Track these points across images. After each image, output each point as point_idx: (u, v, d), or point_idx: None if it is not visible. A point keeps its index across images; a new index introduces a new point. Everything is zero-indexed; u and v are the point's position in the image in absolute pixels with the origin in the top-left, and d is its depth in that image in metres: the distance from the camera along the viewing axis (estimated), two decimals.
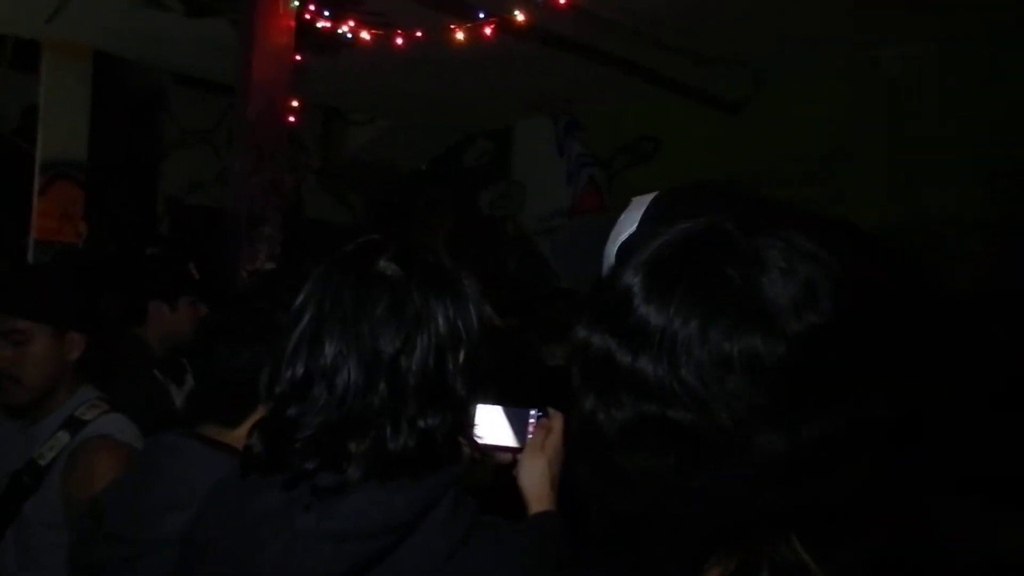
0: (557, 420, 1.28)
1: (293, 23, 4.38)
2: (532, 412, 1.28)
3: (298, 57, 4.57)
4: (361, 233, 1.05)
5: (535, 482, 1.24)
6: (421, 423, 0.94)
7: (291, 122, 4.68)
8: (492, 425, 1.22)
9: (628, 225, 0.88)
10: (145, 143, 6.86)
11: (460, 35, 4.52)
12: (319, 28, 4.70)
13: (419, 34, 4.67)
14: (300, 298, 1.00)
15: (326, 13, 4.66)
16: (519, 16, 4.30)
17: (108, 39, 5.64)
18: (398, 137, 7.70)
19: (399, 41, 4.75)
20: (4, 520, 1.74)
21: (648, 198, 0.89)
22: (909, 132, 5.11)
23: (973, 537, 0.76)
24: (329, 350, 0.94)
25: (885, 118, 5.23)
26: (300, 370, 0.95)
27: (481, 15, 4.44)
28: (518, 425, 1.26)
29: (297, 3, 4.34)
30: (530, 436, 1.27)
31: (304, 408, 0.94)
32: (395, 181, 8.13)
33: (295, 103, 4.83)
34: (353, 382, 0.93)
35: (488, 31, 4.43)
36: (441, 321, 0.97)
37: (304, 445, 0.93)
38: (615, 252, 0.88)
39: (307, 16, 4.56)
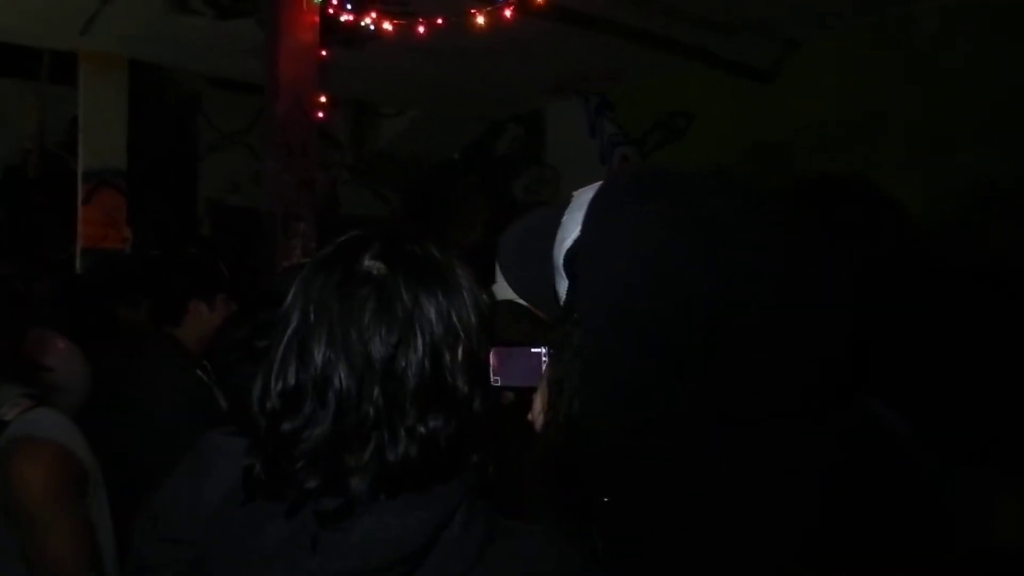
0: None
1: (317, 19, 4.42)
2: (544, 349, 1.23)
3: (324, 53, 4.61)
4: (397, 224, 1.00)
5: None
6: (421, 429, 0.88)
7: (320, 118, 4.72)
8: (505, 365, 1.18)
9: (572, 228, 0.82)
10: (183, 147, 7.01)
11: (481, 19, 4.50)
12: (343, 22, 4.73)
13: (440, 21, 4.67)
14: (286, 304, 0.94)
15: (348, 6, 4.68)
16: None
17: (142, 47, 5.75)
18: (429, 128, 7.73)
19: (421, 29, 4.76)
20: None
21: (588, 195, 0.82)
22: (945, 89, 4.94)
23: (975, 515, 0.73)
24: (318, 359, 0.88)
25: (920, 77, 5.06)
26: (291, 382, 0.90)
27: None
28: (531, 364, 1.22)
29: None
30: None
31: (298, 423, 0.89)
32: (428, 172, 8.17)
33: (324, 99, 4.87)
34: (345, 391, 0.88)
35: (508, 13, 4.41)
36: (434, 318, 0.91)
37: (303, 463, 0.88)
38: (561, 261, 0.83)
39: (330, 11, 4.59)
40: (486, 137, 8.06)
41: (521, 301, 2.24)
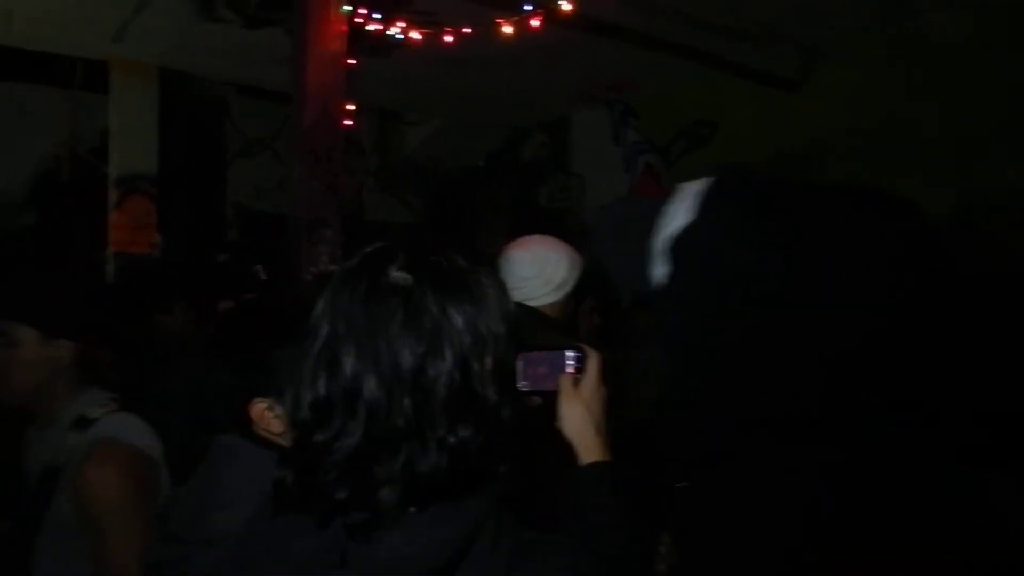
0: (592, 359, 1.19)
1: (345, 28, 4.46)
2: (569, 353, 1.19)
3: (351, 61, 4.65)
4: (420, 233, 1.01)
5: (578, 430, 1.16)
6: (451, 439, 0.88)
7: (347, 126, 4.76)
8: (532, 370, 1.17)
9: (677, 218, 0.84)
10: (211, 153, 7.09)
11: (508, 29, 4.52)
12: (370, 31, 4.77)
13: (467, 31, 4.70)
14: (314, 315, 0.94)
15: (376, 16, 4.73)
16: (565, 5, 4.28)
17: (172, 55, 5.85)
18: (454, 135, 7.77)
19: (448, 39, 4.79)
20: (33, 526, 1.76)
21: (694, 187, 0.85)
22: (969, 95, 4.90)
23: (979, 514, 0.74)
24: (348, 370, 0.89)
25: (945, 83, 5.02)
26: (321, 394, 0.90)
27: (527, 7, 4.44)
28: (557, 368, 1.18)
29: (348, 8, 4.41)
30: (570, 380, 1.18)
31: (329, 435, 0.89)
32: (452, 179, 8.20)
33: (351, 107, 4.91)
34: (375, 402, 0.88)
35: (535, 23, 4.43)
36: (462, 328, 0.91)
37: (334, 475, 0.89)
38: (665, 247, 0.84)
39: (358, 20, 4.64)
40: (510, 144, 8.09)
41: (529, 304, 2.23)
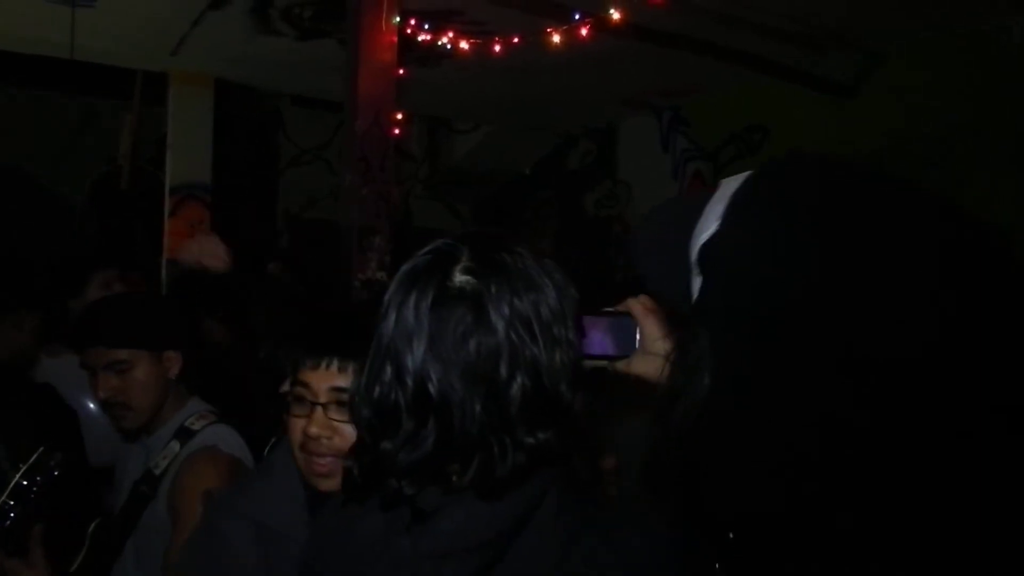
0: (649, 319, 1.12)
1: (396, 39, 4.51)
2: (627, 320, 1.11)
3: (401, 71, 4.70)
4: (481, 232, 1.01)
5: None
6: (530, 440, 0.88)
7: (397, 135, 4.81)
8: (595, 335, 1.14)
9: (711, 221, 0.75)
10: (264, 162, 7.24)
11: (557, 38, 4.53)
12: (420, 41, 4.82)
13: (516, 40, 4.72)
14: (381, 316, 0.93)
15: (426, 26, 4.77)
16: (615, 14, 4.27)
17: (228, 67, 5.99)
18: (502, 143, 7.80)
19: (497, 48, 4.81)
20: (125, 528, 1.83)
21: (732, 185, 0.75)
22: None
23: None
24: (415, 377, 0.88)
25: (1011, 89, 4.85)
26: (388, 398, 0.90)
27: (577, 16, 4.44)
28: (623, 333, 1.12)
29: (399, 19, 4.47)
30: (638, 343, 1.10)
31: (396, 443, 0.89)
32: (500, 187, 8.23)
33: (400, 116, 4.96)
34: (445, 410, 0.87)
35: (584, 31, 4.42)
36: (533, 329, 0.90)
37: (403, 480, 0.89)
38: (695, 256, 0.76)
39: (408, 30, 4.69)
40: (558, 151, 8.09)
41: None
